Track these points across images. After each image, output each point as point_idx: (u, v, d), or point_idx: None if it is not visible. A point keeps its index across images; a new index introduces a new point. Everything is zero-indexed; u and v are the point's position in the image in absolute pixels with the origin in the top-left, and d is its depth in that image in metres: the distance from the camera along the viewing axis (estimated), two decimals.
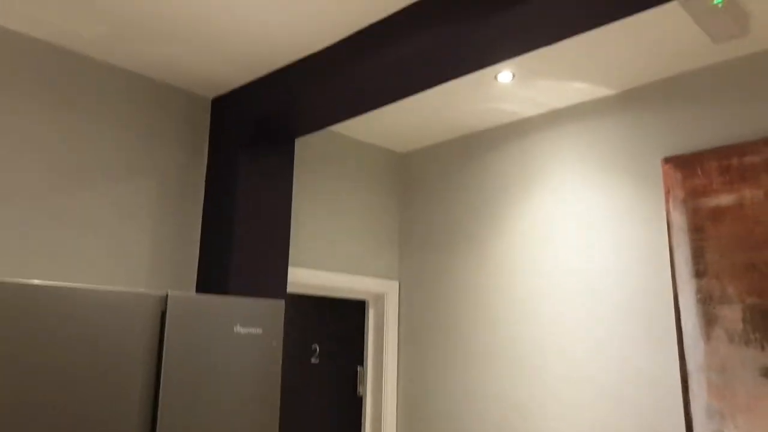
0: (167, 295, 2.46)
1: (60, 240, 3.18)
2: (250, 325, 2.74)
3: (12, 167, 3.08)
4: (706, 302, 3.19)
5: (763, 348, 2.96)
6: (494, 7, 2.61)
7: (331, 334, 4.69)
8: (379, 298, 4.86)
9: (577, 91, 3.97)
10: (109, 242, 3.37)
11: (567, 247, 3.95)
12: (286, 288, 3.74)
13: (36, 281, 2.16)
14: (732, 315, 3.08)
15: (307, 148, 4.50)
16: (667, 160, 3.53)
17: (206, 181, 3.90)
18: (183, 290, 3.63)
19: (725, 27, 3.07)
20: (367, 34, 3.14)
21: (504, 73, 3.75)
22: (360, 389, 4.75)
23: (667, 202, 3.49)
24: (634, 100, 3.85)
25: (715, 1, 2.85)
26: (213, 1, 2.91)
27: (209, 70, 3.63)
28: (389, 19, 3.05)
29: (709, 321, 3.17)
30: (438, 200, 4.85)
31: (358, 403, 4.72)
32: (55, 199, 3.20)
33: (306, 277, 4.28)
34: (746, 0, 2.93)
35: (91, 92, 3.43)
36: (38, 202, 3.14)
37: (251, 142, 3.76)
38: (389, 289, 4.84)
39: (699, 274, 3.26)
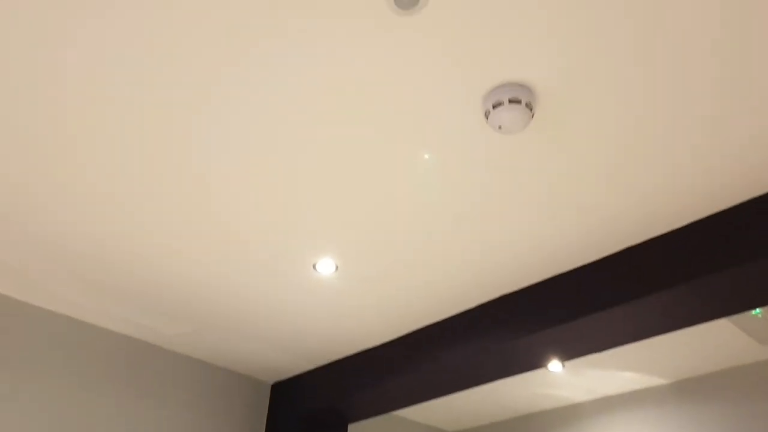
0: None
1: None
2: None
3: None
4: None
5: None
6: (549, 320, 2.83)
7: None
8: None
9: (629, 379, 4.01)
10: None
11: None
12: None
13: None
14: None
15: (356, 428, 4.48)
16: None
17: None
18: None
19: None
20: (425, 335, 3.37)
21: (554, 363, 3.85)
22: None
23: None
24: (689, 391, 3.84)
25: (753, 312, 3.03)
26: (282, 304, 3.23)
27: (272, 360, 3.85)
28: (447, 321, 3.30)
29: None
30: None
31: None
32: None
33: None
34: None
35: (158, 378, 3.63)
36: None
37: (307, 428, 3.79)
38: None
39: None
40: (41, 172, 2.32)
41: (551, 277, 2.91)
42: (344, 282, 3.01)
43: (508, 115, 1.89)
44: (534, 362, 3.16)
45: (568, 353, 3.05)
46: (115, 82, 1.92)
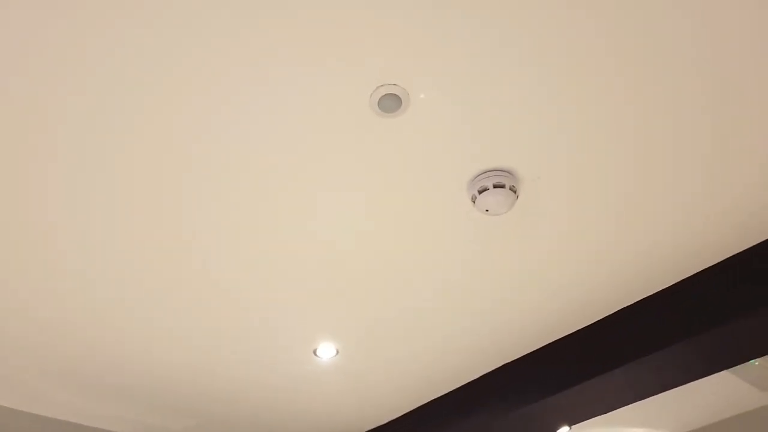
0: None
1: None
2: None
3: None
4: None
5: None
6: (552, 386, 2.85)
7: None
8: None
9: None
10: None
11: None
12: None
13: None
14: None
15: None
16: None
17: None
18: None
19: None
20: (430, 410, 3.35)
21: (562, 428, 3.83)
22: None
23: None
24: None
25: (751, 362, 3.08)
26: (283, 391, 3.21)
27: None
28: (452, 394, 3.29)
29: None
30: None
31: None
32: None
33: None
34: None
35: None
36: None
37: None
38: None
39: None
40: (29, 276, 2.35)
41: (550, 343, 2.94)
42: (345, 365, 3.01)
43: (493, 199, 1.98)
44: (542, 429, 3.15)
45: (575, 417, 3.05)
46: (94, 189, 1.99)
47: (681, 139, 1.90)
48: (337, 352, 2.91)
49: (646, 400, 3.56)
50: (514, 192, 2.00)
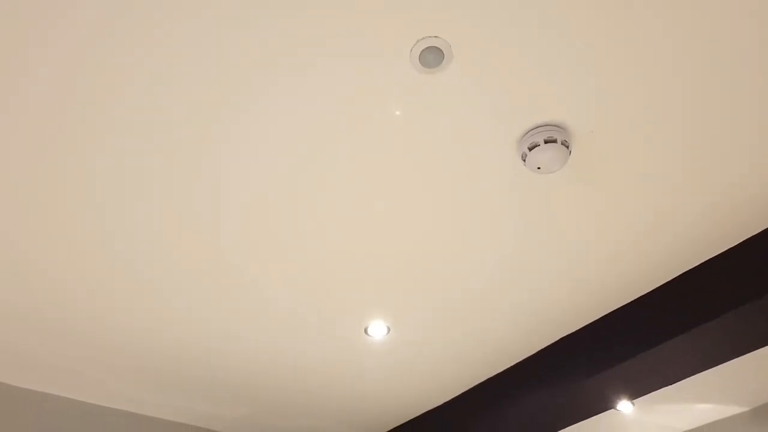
0: None
1: None
2: None
3: None
4: None
5: None
6: (613, 357, 2.73)
7: None
8: None
9: (703, 411, 3.81)
10: None
11: None
12: None
13: None
14: None
15: None
16: None
17: None
18: None
19: None
20: (489, 388, 3.27)
21: (623, 403, 3.69)
22: None
23: None
24: None
25: None
26: (335, 374, 3.18)
27: None
28: (511, 370, 3.20)
29: None
30: None
31: None
32: None
33: None
34: None
35: None
36: None
37: None
38: None
39: None
40: (97, 273, 2.37)
41: (608, 314, 2.82)
42: (398, 343, 2.96)
43: (545, 155, 1.89)
44: (604, 403, 3.04)
45: (638, 390, 2.93)
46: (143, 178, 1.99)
47: (742, 90, 1.76)
48: (389, 330, 2.87)
49: (712, 373, 3.40)
50: (567, 147, 1.91)
